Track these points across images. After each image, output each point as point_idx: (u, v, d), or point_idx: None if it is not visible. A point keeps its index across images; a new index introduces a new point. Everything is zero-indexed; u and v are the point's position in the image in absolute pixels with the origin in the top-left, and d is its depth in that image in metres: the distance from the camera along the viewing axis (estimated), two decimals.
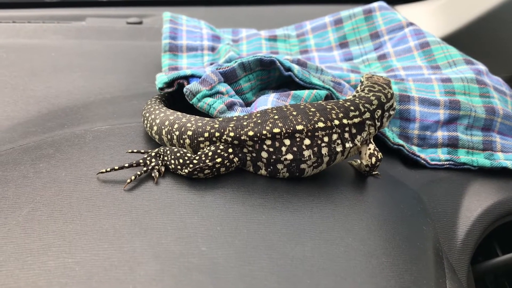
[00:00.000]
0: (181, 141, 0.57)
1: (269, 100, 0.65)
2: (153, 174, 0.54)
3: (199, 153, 0.55)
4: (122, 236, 0.45)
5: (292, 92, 0.67)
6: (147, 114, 0.63)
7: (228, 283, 0.41)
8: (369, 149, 0.61)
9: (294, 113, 0.56)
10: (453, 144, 0.76)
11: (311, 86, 0.71)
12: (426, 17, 1.17)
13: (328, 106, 0.58)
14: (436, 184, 0.72)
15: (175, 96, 0.72)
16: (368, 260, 0.47)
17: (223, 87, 0.66)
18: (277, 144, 0.55)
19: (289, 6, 1.36)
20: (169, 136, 0.58)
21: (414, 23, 0.97)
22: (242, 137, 0.54)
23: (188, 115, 0.60)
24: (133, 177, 0.53)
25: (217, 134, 0.55)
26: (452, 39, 1.07)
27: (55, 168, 0.56)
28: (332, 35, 1.00)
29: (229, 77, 0.68)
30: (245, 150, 0.55)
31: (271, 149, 0.55)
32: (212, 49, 0.91)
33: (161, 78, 0.69)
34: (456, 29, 1.09)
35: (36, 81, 0.82)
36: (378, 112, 0.62)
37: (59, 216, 0.47)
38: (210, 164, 0.54)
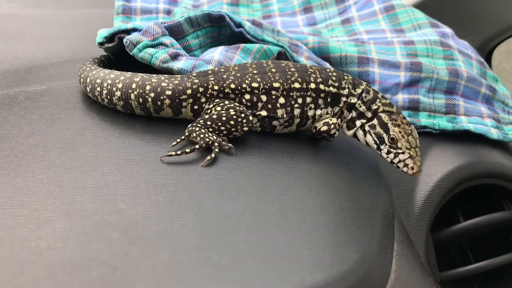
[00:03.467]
0: (159, 103, 0.52)
1: (217, 51, 0.61)
2: (227, 148, 0.51)
3: (237, 108, 0.52)
4: (35, 194, 0.41)
5: (242, 45, 0.64)
6: (98, 80, 0.55)
7: (144, 240, 0.38)
8: (330, 119, 0.57)
9: (273, 70, 0.55)
10: (413, 107, 0.73)
11: (263, 43, 0.67)
12: None
13: (310, 70, 0.56)
14: None
15: (112, 58, 0.68)
16: (303, 217, 0.44)
17: (167, 40, 0.61)
18: (254, 99, 0.54)
19: None
20: (141, 100, 0.52)
21: None
22: (226, 90, 0.53)
23: (154, 75, 0.54)
24: (213, 155, 0.48)
25: (201, 89, 0.52)
26: (422, 5, 1.03)
27: None
28: (296, 0, 0.96)
29: (174, 32, 0.64)
30: (226, 102, 0.53)
31: (248, 104, 0.54)
32: (168, 12, 0.87)
33: (102, 33, 0.65)
34: None
35: None
36: (353, 99, 0.58)
37: None
38: (248, 112, 0.53)
